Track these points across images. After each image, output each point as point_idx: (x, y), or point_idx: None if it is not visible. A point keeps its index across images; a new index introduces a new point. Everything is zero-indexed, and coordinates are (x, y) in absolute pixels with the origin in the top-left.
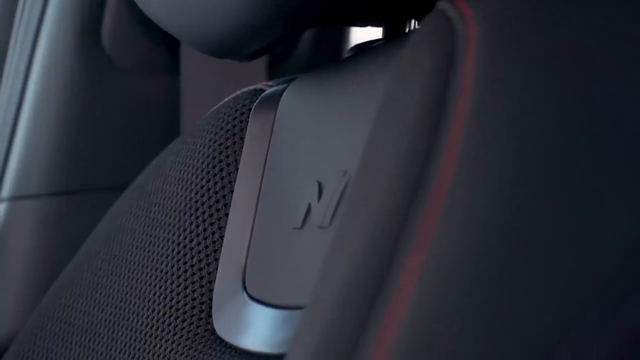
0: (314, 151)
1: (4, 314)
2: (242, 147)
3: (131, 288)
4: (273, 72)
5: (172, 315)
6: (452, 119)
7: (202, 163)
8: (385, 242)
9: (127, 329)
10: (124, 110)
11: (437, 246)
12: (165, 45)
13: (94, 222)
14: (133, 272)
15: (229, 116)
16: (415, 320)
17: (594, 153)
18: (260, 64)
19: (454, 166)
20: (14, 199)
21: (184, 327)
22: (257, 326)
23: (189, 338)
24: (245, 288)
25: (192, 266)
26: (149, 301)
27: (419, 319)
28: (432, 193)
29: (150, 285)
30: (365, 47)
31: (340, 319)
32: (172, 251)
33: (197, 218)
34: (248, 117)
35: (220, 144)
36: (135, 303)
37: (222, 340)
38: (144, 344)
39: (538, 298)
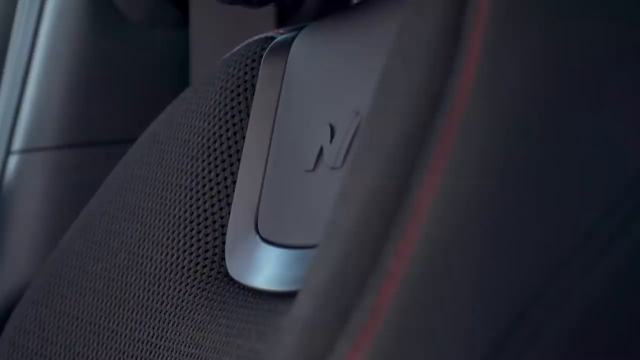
0: (325, 95)
1: (17, 265)
2: (254, 94)
3: (144, 234)
4: (282, 25)
5: (185, 259)
6: (469, 43)
7: (214, 110)
8: (402, 162)
9: (140, 273)
10: (134, 63)
11: (453, 166)
12: None
13: (105, 174)
14: (146, 218)
15: (240, 63)
16: (432, 235)
17: (600, 85)
18: (269, 17)
19: (470, 89)
20: (26, 151)
21: (197, 270)
22: (269, 266)
23: (202, 280)
24: (257, 230)
25: (205, 211)
26: (162, 246)
27: (436, 234)
28: (449, 115)
29: (163, 230)
30: None
31: (359, 238)
32: (185, 197)
33: (209, 164)
34: (259, 64)
35: (232, 91)
36: (149, 248)
37: (235, 282)
38: (158, 287)
39: (549, 218)
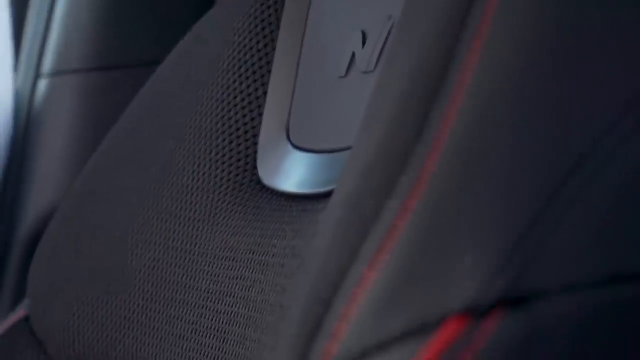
0: (356, 1)
1: (47, 186)
2: (284, 4)
3: (176, 147)
4: None
5: (217, 168)
6: None
7: (244, 24)
8: (440, 45)
9: (173, 185)
10: None
11: (490, 46)
12: None
13: (133, 97)
14: (177, 131)
15: None
16: (474, 105)
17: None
18: None
19: None
20: (55, 74)
21: (229, 179)
22: (301, 171)
23: (235, 188)
24: (289, 137)
25: (236, 122)
26: (194, 157)
27: (477, 107)
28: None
29: (195, 142)
30: None
31: (402, 112)
32: (217, 108)
33: (240, 76)
34: None
35: (262, 4)
36: (181, 160)
37: (267, 188)
38: (191, 196)
39: (592, 88)
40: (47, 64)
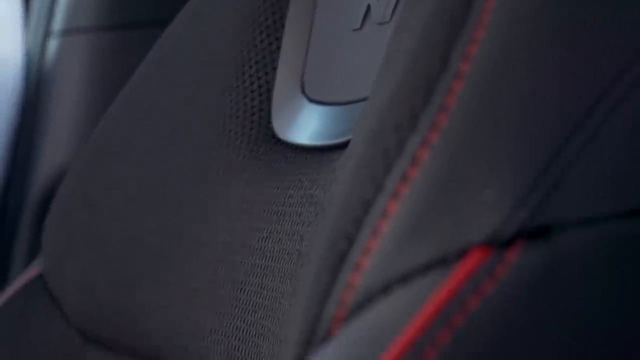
0: None
1: (57, 146)
2: None
3: (188, 104)
4: None
5: (232, 123)
6: None
7: None
8: None
9: (186, 142)
10: None
11: None
12: None
13: (143, 57)
14: (190, 89)
15: None
16: (492, 50)
17: None
18: None
19: None
20: (65, 32)
21: (244, 133)
22: (316, 123)
23: (249, 143)
24: (303, 91)
25: (250, 76)
26: (207, 114)
27: (502, 34)
28: None
29: (208, 99)
30: None
31: (420, 60)
32: (230, 64)
33: (253, 31)
34: None
35: None
36: (194, 118)
37: (283, 142)
38: (205, 152)
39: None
40: (58, 22)
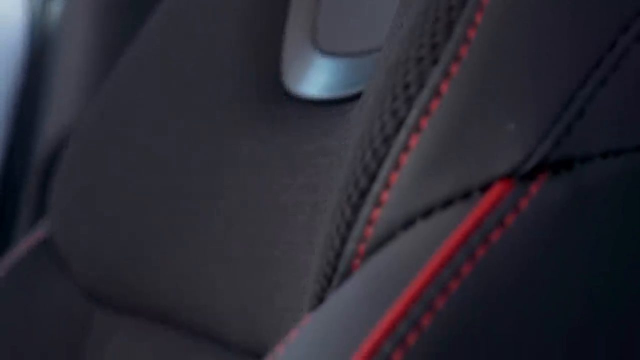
0: None
1: (63, 107)
2: None
3: (198, 59)
4: None
5: (242, 78)
6: None
7: None
8: None
9: (197, 98)
10: None
11: None
12: None
13: (151, 15)
14: (199, 45)
15: None
16: None
17: None
18: None
19: None
20: None
21: (255, 89)
22: (327, 75)
23: (260, 98)
24: (314, 43)
25: (260, 31)
26: (218, 69)
27: None
28: None
29: (218, 54)
30: None
31: None
32: (239, 19)
33: None
34: None
35: None
36: (204, 74)
37: (294, 96)
38: (216, 108)
39: None
40: None
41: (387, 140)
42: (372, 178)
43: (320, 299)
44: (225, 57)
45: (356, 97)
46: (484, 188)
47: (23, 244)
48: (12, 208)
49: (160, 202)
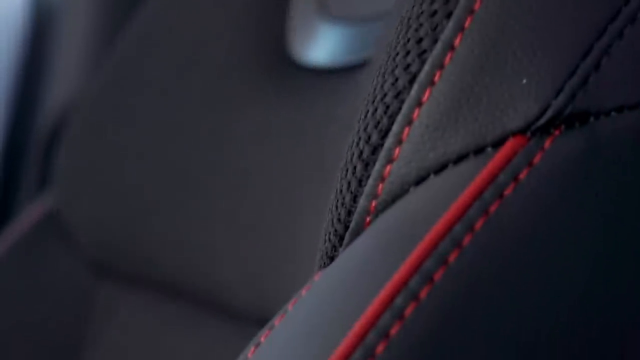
0: None
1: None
2: None
3: (204, 29)
4: None
5: (249, 47)
6: None
7: None
8: None
9: (202, 69)
10: None
11: None
12: None
13: None
14: (204, 16)
15: None
16: None
17: None
18: None
19: None
20: None
21: (261, 59)
22: (333, 42)
23: (266, 67)
24: (319, 10)
25: (265, 0)
26: (223, 39)
27: None
28: None
29: (223, 25)
30: None
31: None
32: None
33: None
34: None
35: None
36: (209, 44)
37: (300, 65)
38: (222, 78)
39: None
40: None
41: (400, 95)
42: (384, 133)
43: (331, 258)
44: (231, 27)
45: (364, 64)
46: (498, 143)
47: (26, 217)
48: (15, 181)
49: (166, 172)
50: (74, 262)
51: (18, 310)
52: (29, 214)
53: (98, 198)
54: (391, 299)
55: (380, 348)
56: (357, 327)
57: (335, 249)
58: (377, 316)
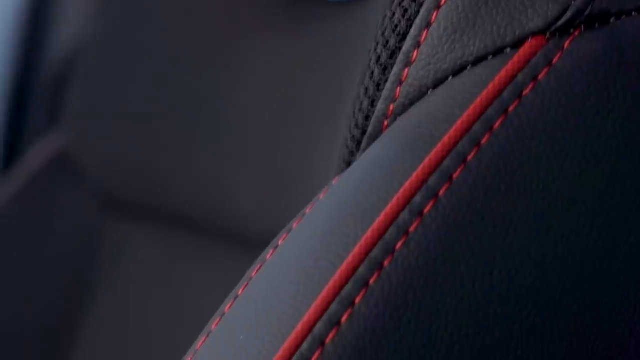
0: None
1: (75, 15)
2: None
3: None
4: None
5: None
6: None
7: None
8: None
9: (204, 6)
10: None
11: None
12: None
13: None
14: None
15: None
16: None
17: None
18: None
19: None
20: None
21: None
22: None
23: (270, 4)
24: None
25: None
26: None
27: None
28: None
29: None
30: None
31: None
32: None
33: None
34: None
35: None
36: None
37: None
38: (227, 9)
39: None
40: None
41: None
42: (402, 37)
43: (348, 164)
44: None
45: None
46: (517, 44)
47: (35, 157)
48: (22, 120)
49: (177, 104)
50: (85, 200)
51: (30, 249)
52: (38, 153)
53: (108, 134)
54: (411, 197)
55: (399, 244)
56: (376, 223)
57: (352, 154)
58: (397, 213)
